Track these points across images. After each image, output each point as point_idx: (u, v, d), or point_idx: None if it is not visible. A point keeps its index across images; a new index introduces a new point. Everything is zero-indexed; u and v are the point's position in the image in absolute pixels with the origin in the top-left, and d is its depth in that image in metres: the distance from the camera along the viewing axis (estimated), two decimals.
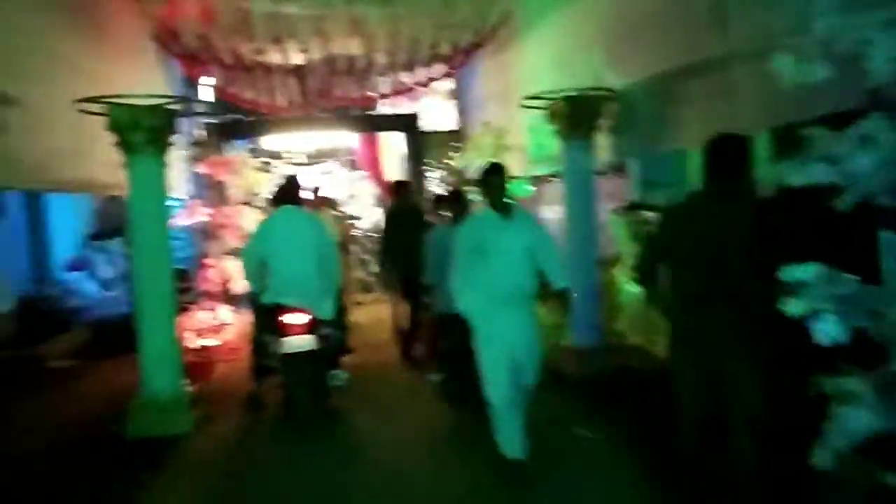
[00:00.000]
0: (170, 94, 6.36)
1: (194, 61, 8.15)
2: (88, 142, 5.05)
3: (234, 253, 8.52)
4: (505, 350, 3.86)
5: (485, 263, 3.85)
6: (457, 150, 10.02)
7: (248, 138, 11.17)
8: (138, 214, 5.15)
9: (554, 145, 6.27)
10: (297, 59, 8.68)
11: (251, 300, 5.81)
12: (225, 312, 7.94)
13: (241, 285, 8.19)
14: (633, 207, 6.84)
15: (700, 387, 3.13)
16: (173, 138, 5.31)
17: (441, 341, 5.74)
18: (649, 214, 6.12)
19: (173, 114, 5.22)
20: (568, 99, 5.78)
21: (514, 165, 8.32)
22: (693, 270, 3.11)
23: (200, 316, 7.69)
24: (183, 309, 8.02)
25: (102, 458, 4.65)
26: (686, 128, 5.08)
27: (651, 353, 5.79)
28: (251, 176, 10.13)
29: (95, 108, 4.88)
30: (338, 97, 9.47)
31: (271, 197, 5.91)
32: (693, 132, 4.78)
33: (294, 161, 12.28)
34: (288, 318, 4.91)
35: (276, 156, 12.29)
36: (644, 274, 3.38)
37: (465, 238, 4.02)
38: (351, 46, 8.60)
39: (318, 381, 5.13)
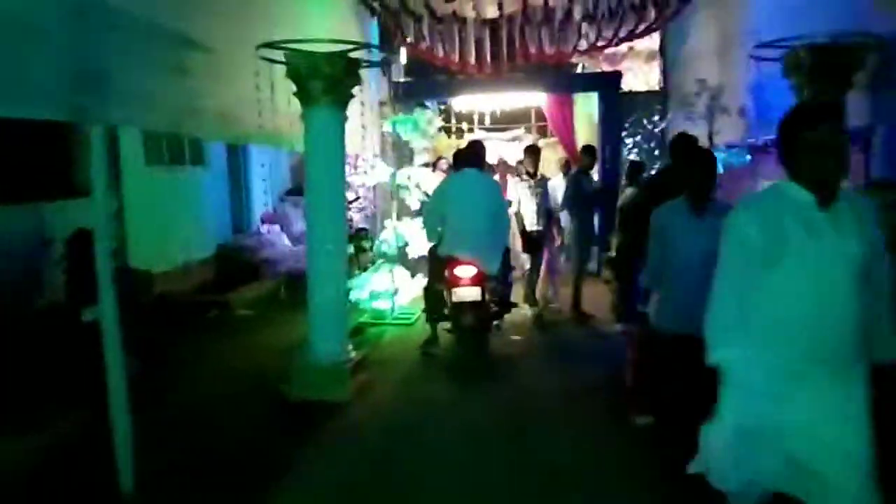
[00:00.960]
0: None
1: (387, 11, 7.88)
2: (271, 91, 4.86)
3: (415, 214, 8.33)
4: (784, 453, 2.16)
5: (781, 284, 2.15)
6: (661, 113, 8.99)
7: (438, 98, 10.92)
8: (313, 168, 4.91)
9: (787, 106, 5.14)
10: (490, 10, 8.13)
11: (429, 252, 6.23)
12: (401, 275, 7.74)
13: (418, 248, 7.98)
14: (880, 186, 5.48)
15: None
16: (355, 91, 5.00)
17: (655, 370, 3.90)
18: None
19: (355, 63, 4.89)
20: (814, 47, 4.66)
21: (730, 130, 7.24)
22: None
23: (376, 277, 7.55)
24: (359, 270, 8.03)
25: (265, 414, 4.67)
26: None
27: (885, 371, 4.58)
28: (437, 137, 9.89)
29: (276, 55, 4.67)
30: (532, 54, 8.76)
31: (454, 159, 6.32)
32: None
33: (482, 125, 11.90)
34: (459, 270, 5.40)
35: (464, 118, 11.99)
36: None
37: (741, 235, 2.20)
38: None
39: (482, 329, 5.60)
